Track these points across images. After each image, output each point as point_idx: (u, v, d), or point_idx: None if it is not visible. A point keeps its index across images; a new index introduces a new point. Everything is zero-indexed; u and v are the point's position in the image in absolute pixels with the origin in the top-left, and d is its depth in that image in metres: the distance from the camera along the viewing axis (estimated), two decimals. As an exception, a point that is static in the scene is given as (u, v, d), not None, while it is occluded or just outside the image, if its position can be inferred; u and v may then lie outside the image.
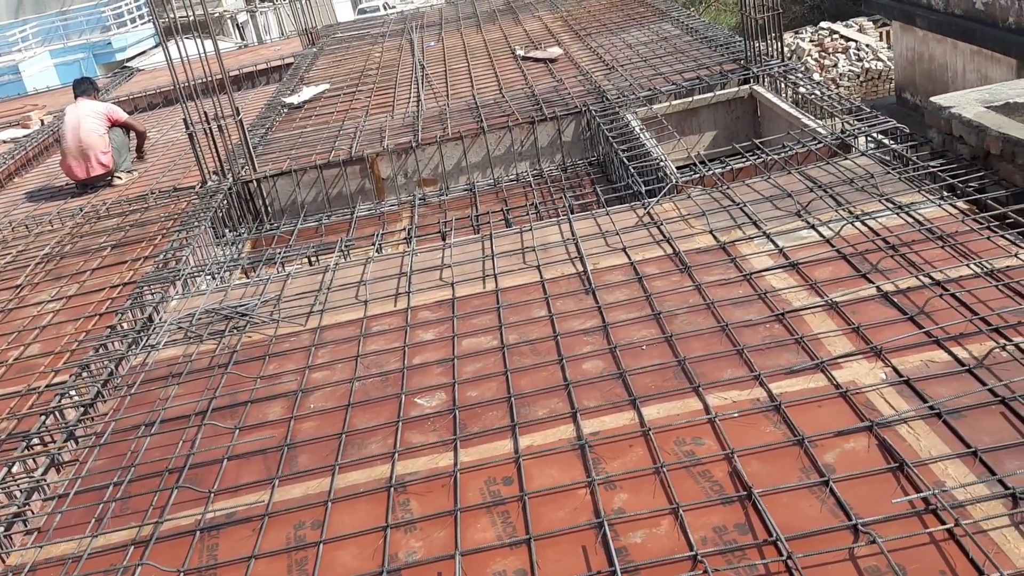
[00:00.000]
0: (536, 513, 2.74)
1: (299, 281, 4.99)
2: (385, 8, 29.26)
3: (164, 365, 4.26)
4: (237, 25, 28.22)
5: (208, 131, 6.86)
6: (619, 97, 7.33)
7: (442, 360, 3.80)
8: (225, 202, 6.84)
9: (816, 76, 15.91)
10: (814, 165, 5.09)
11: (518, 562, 2.57)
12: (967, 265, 3.61)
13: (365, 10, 30.53)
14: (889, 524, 2.41)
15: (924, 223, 4.04)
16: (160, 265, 5.49)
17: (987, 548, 2.27)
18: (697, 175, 5.37)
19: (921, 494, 2.48)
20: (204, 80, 6.66)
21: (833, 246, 4.05)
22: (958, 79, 11.69)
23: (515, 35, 11.17)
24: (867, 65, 17.09)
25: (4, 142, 10.45)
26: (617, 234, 4.72)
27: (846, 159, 5.05)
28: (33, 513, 3.33)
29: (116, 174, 7.88)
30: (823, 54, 17.68)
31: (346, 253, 5.43)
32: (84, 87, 8.13)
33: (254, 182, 7.21)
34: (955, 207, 4.16)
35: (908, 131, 5.17)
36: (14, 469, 3.57)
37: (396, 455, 3.17)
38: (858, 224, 4.18)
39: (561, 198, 6.30)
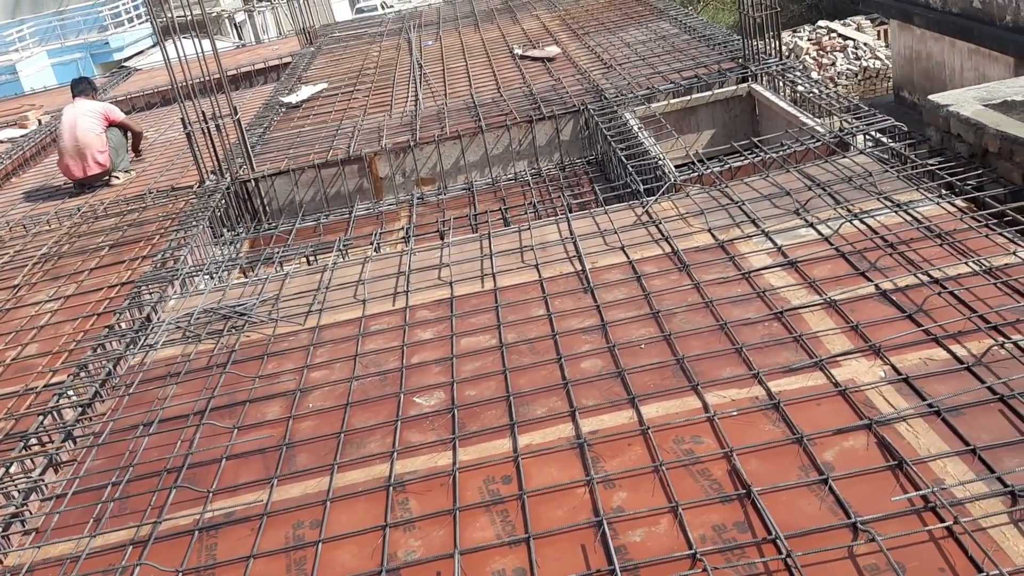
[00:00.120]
0: (535, 512, 2.74)
1: (297, 280, 4.98)
2: (383, 7, 29.24)
3: (162, 365, 4.25)
4: (235, 24, 28.20)
5: (206, 131, 6.85)
6: (617, 96, 7.32)
7: (441, 359, 3.80)
8: (223, 202, 6.83)
9: (814, 74, 15.90)
10: (812, 163, 5.09)
11: (517, 561, 2.57)
12: (965, 263, 3.61)
13: (363, 9, 30.51)
14: (888, 522, 2.41)
15: (922, 221, 4.05)
16: (158, 265, 5.48)
17: (986, 546, 2.27)
18: (695, 174, 5.37)
19: (920, 492, 2.48)
20: (202, 80, 6.65)
21: (832, 244, 4.05)
22: (956, 77, 11.69)
23: (513, 34, 11.17)
24: (865, 63, 17.09)
25: (1, 142, 10.43)
26: (615, 233, 4.72)
27: (844, 157, 5.04)
28: (31, 513, 3.33)
29: (114, 174, 7.87)
30: (821, 52, 17.67)
31: (344, 252, 5.43)
32: (82, 87, 8.13)
33: (252, 181, 7.21)
34: (953, 205, 4.16)
35: (906, 129, 5.16)
36: (12, 469, 3.56)
37: (395, 454, 3.17)
38: (856, 222, 4.18)
39: (559, 197, 6.29)
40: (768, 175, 5.02)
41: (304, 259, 5.59)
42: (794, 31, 18.73)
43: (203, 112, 6.77)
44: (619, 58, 8.74)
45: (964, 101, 4.59)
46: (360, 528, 2.84)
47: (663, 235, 4.57)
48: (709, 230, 4.50)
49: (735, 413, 3.01)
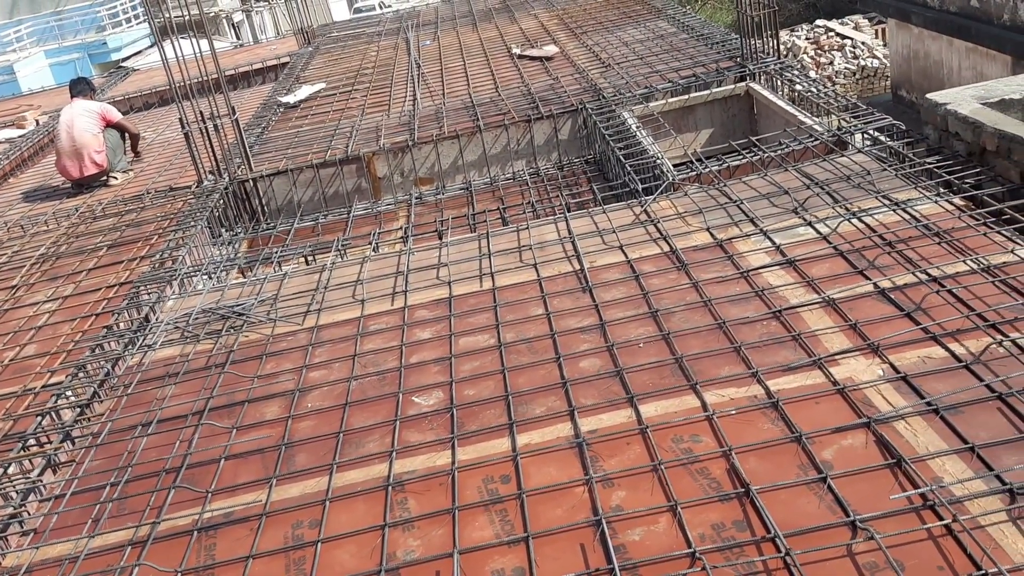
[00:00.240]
0: (534, 511, 2.74)
1: (296, 280, 4.98)
2: (381, 7, 29.22)
3: (161, 365, 4.25)
4: (232, 24, 28.17)
5: (204, 131, 6.84)
6: (615, 95, 7.32)
7: (439, 359, 3.80)
8: (221, 202, 6.83)
9: (812, 73, 15.91)
10: (811, 162, 5.09)
11: (516, 560, 2.56)
12: (964, 261, 3.62)
13: (361, 9, 30.49)
14: (887, 520, 2.41)
15: (921, 220, 4.05)
16: (156, 265, 5.48)
17: (985, 544, 2.27)
18: (694, 172, 5.36)
19: (919, 490, 2.48)
20: (200, 80, 6.65)
21: (830, 243, 4.05)
22: (954, 76, 11.71)
23: (511, 33, 11.17)
24: (863, 62, 17.11)
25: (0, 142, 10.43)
26: (614, 232, 4.72)
27: (843, 156, 5.05)
28: (29, 514, 3.32)
29: (112, 174, 7.87)
30: (819, 51, 17.69)
31: (343, 252, 5.43)
32: (80, 87, 8.12)
33: (250, 181, 7.20)
34: (951, 203, 4.16)
35: (904, 128, 5.17)
36: (10, 470, 3.56)
37: (394, 454, 3.17)
38: (855, 221, 4.18)
39: (558, 196, 6.29)
40: (766, 174, 5.03)
41: (302, 259, 5.58)
42: (792, 30, 18.75)
43: (201, 112, 6.77)
44: (617, 57, 8.74)
45: (962, 100, 4.59)
46: (359, 528, 2.83)
47: (661, 234, 4.56)
48: (707, 229, 4.50)
49: (734, 412, 3.01)
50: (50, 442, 3.76)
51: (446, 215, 6.16)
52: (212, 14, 25.13)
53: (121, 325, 4.74)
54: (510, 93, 8.16)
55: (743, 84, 7.35)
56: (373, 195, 7.28)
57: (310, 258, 5.57)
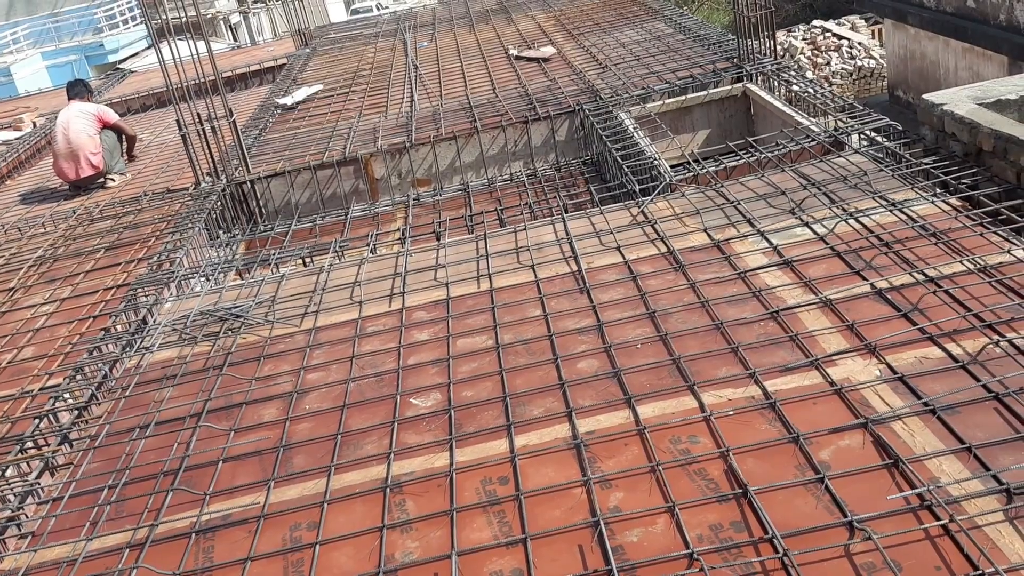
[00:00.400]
0: (532, 512, 2.74)
1: (294, 282, 4.98)
2: (378, 8, 29.24)
3: (159, 367, 4.25)
4: (230, 26, 28.16)
5: (201, 132, 6.84)
6: (613, 96, 7.33)
7: (437, 360, 3.80)
8: (219, 203, 6.82)
9: (809, 74, 15.94)
10: (807, 163, 5.09)
11: (514, 561, 2.57)
12: (960, 262, 3.62)
13: (358, 10, 30.52)
14: (884, 520, 2.42)
15: (917, 220, 4.05)
16: (154, 267, 5.47)
17: (982, 544, 2.28)
18: (691, 173, 5.37)
19: (916, 490, 2.48)
20: (197, 81, 6.65)
21: (827, 243, 4.06)
22: (950, 76, 11.73)
23: (508, 35, 11.17)
24: (860, 63, 17.13)
25: (-3, 145, 10.42)
26: (611, 233, 4.72)
27: (839, 157, 5.05)
28: (27, 517, 3.32)
29: (109, 176, 7.86)
30: (816, 52, 17.71)
31: (340, 254, 5.43)
32: (78, 89, 8.12)
33: (248, 183, 7.20)
34: (948, 204, 4.17)
35: (901, 128, 5.18)
36: (8, 473, 3.55)
37: (392, 455, 3.17)
38: (852, 221, 4.19)
39: (555, 197, 6.30)
40: (763, 175, 5.03)
41: (300, 261, 5.59)
42: (789, 31, 18.77)
43: (198, 114, 6.76)
44: (614, 58, 8.75)
45: (958, 100, 4.60)
46: (357, 530, 2.83)
47: (659, 235, 4.57)
48: (705, 230, 4.50)
49: (731, 413, 3.01)
50: (48, 444, 3.76)
51: (444, 216, 6.17)
52: (209, 16, 25.12)
53: (119, 327, 4.74)
54: (507, 94, 8.17)
55: (740, 85, 7.36)
56: (371, 196, 7.28)
57: (308, 260, 5.57)
